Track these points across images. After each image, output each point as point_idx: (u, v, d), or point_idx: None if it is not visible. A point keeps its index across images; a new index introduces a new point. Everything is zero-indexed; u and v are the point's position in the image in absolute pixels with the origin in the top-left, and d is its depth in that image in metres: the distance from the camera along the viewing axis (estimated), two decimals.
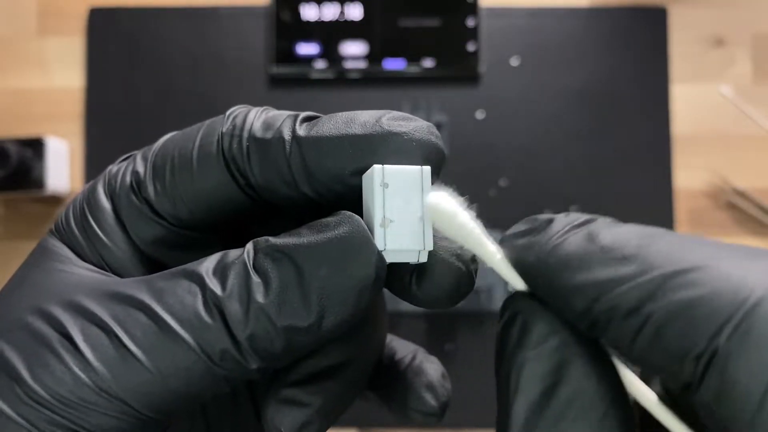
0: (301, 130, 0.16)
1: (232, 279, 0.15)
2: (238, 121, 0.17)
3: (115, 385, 0.15)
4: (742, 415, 0.11)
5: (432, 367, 0.22)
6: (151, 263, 0.18)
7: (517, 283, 0.16)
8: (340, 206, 0.16)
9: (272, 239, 0.16)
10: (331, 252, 0.15)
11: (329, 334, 0.16)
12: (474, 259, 0.17)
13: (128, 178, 0.18)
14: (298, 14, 0.67)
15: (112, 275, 0.17)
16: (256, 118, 0.17)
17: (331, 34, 0.67)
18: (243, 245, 0.20)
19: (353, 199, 0.16)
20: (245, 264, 0.15)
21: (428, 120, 0.67)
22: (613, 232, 0.14)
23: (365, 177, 0.16)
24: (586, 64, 0.67)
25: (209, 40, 0.68)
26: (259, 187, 0.17)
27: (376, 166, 0.15)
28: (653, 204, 0.66)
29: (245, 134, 0.16)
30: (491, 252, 0.16)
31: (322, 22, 0.67)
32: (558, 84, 0.67)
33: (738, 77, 0.67)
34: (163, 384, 0.15)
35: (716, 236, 0.66)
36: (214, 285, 0.15)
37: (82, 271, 0.17)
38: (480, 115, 0.67)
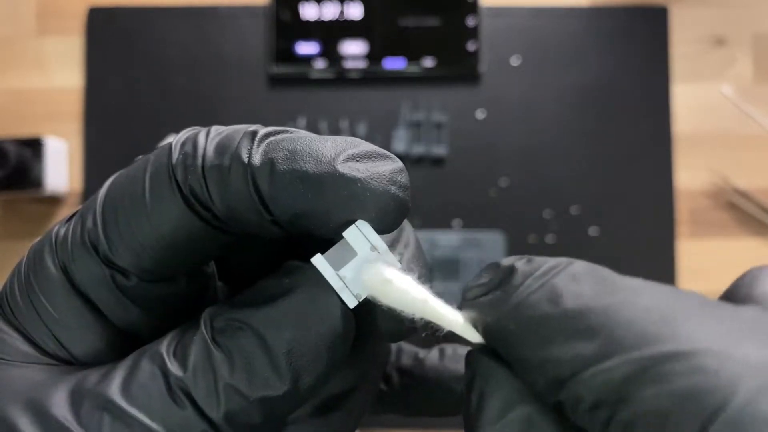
0: (257, 156, 0.14)
1: (194, 357, 0.14)
2: (188, 148, 0.15)
3: None
4: None
5: None
6: (119, 338, 0.16)
7: (480, 342, 0.14)
8: (305, 242, 0.15)
9: (227, 309, 0.15)
10: (292, 313, 0.14)
11: (308, 394, 0.15)
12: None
13: (80, 237, 0.15)
14: (298, 13, 0.67)
15: (71, 364, 0.16)
16: (209, 141, 0.15)
17: (330, 33, 0.67)
18: (228, 283, 0.19)
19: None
20: (204, 339, 0.14)
21: (428, 120, 0.67)
22: (578, 291, 0.12)
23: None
24: (587, 63, 0.67)
25: (209, 39, 0.68)
26: (226, 218, 0.15)
27: (316, 258, 0.14)
28: (654, 204, 0.66)
29: (199, 162, 0.14)
30: (446, 316, 0.14)
31: (322, 21, 0.67)
32: (558, 84, 0.67)
33: (739, 77, 0.67)
34: None
35: (717, 236, 0.66)
36: (175, 368, 0.14)
37: (39, 364, 0.15)
38: (480, 114, 0.67)
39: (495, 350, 0.14)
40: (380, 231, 0.15)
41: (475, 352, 0.14)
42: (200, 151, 0.15)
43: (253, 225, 0.15)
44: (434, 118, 0.66)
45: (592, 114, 0.67)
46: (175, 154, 0.15)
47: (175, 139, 0.15)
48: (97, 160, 0.67)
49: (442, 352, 0.23)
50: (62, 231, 0.16)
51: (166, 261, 0.15)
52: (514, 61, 0.67)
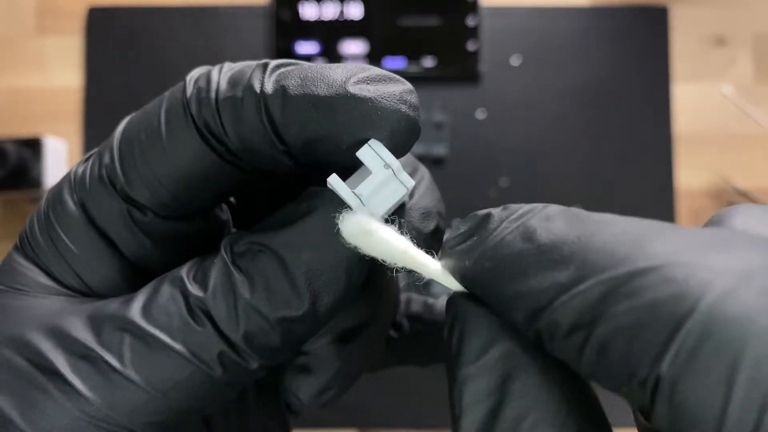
0: (269, 84, 0.14)
1: (214, 279, 0.14)
2: (202, 83, 0.15)
3: (113, 412, 0.14)
4: None
5: None
6: (135, 274, 0.16)
7: (458, 289, 0.15)
8: (320, 170, 0.15)
9: (247, 233, 0.15)
10: (309, 234, 0.14)
11: (326, 317, 0.15)
12: (435, 236, 0.16)
13: (98, 173, 0.16)
14: (298, 13, 0.67)
15: (88, 297, 0.16)
16: (222, 75, 0.15)
17: (330, 33, 0.67)
18: (243, 226, 0.19)
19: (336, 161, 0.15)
20: (225, 262, 0.15)
21: (428, 120, 0.67)
22: (552, 227, 0.13)
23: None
24: (587, 63, 0.67)
25: (208, 39, 0.68)
26: (239, 151, 0.15)
27: (331, 177, 0.15)
28: (654, 204, 0.66)
29: (213, 95, 0.15)
30: (426, 265, 0.15)
31: (322, 21, 0.67)
32: (559, 83, 0.67)
33: (739, 77, 0.67)
34: (164, 401, 0.14)
35: None
36: (195, 289, 0.14)
37: (57, 296, 0.16)
38: (480, 114, 0.67)
39: (474, 296, 0.14)
40: (393, 150, 0.15)
41: (454, 296, 0.15)
42: (213, 85, 0.15)
43: (267, 157, 0.15)
44: (434, 118, 0.66)
45: (592, 114, 0.67)
46: (189, 89, 0.15)
47: (189, 76, 0.16)
48: None
49: None
50: (80, 169, 0.16)
51: (182, 196, 0.16)
52: (515, 60, 0.67)
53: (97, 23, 0.68)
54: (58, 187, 0.16)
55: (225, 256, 0.15)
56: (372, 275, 0.16)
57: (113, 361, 0.14)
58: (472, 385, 0.13)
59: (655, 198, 0.66)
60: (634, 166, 0.66)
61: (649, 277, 0.11)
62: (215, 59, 0.67)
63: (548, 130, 0.66)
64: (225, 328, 0.14)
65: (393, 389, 0.63)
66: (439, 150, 0.66)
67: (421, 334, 0.23)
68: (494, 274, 0.13)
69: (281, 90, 0.14)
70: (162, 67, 0.68)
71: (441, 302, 0.23)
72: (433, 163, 0.66)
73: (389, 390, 0.62)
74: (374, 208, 0.15)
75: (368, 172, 0.15)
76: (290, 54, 0.67)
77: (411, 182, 0.15)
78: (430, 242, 0.16)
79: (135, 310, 0.14)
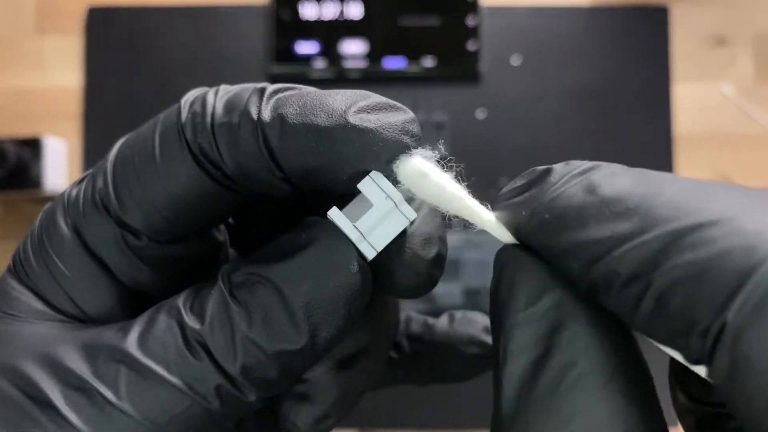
0: (266, 111, 0.14)
1: (211, 311, 0.14)
2: (197, 107, 0.15)
3: None
4: (759, 399, 0.10)
5: (480, 317, 0.22)
6: (130, 299, 0.16)
7: (511, 241, 0.14)
8: (317, 204, 0.15)
9: (245, 263, 0.15)
10: (309, 266, 0.14)
11: (325, 350, 0.15)
12: (436, 262, 0.16)
13: (91, 197, 0.15)
14: (298, 13, 0.67)
15: (83, 323, 0.16)
16: (218, 100, 0.15)
17: (330, 32, 0.67)
18: (241, 247, 0.19)
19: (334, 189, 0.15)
20: (222, 293, 0.14)
21: (428, 120, 0.67)
22: (616, 182, 0.12)
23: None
24: (588, 63, 0.67)
25: (208, 38, 0.68)
26: (236, 176, 0.15)
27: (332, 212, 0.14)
28: None
29: (208, 120, 0.14)
30: (479, 214, 0.14)
31: (322, 20, 0.67)
32: (559, 83, 0.67)
33: (740, 77, 0.67)
34: None
35: None
36: (192, 321, 0.14)
37: (51, 321, 0.15)
38: (481, 114, 0.67)
39: (525, 248, 0.14)
40: (395, 181, 0.15)
41: (505, 246, 0.14)
42: (209, 110, 0.15)
43: (264, 183, 0.15)
44: (434, 118, 0.66)
45: (593, 114, 0.67)
46: (184, 113, 0.15)
47: (184, 99, 0.15)
48: (97, 160, 0.67)
49: (451, 317, 0.23)
50: (74, 192, 0.16)
51: (177, 221, 0.15)
52: (515, 60, 0.67)
53: (97, 23, 0.68)
54: (52, 209, 0.16)
55: (222, 287, 0.14)
56: (372, 301, 0.16)
57: (108, 394, 0.14)
58: (519, 333, 0.13)
59: None
60: (634, 166, 0.66)
61: (716, 229, 0.10)
62: (215, 59, 0.67)
63: (548, 130, 0.66)
64: (222, 362, 0.14)
65: (393, 389, 0.63)
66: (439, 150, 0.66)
67: (421, 355, 0.23)
68: (552, 226, 0.13)
69: (279, 118, 0.14)
70: (162, 67, 0.68)
71: (441, 322, 0.23)
72: None
73: (389, 390, 0.62)
74: (375, 241, 0.15)
75: (369, 203, 0.14)
76: (290, 54, 0.67)
77: (413, 214, 0.15)
78: (432, 269, 0.16)
79: (131, 341, 0.14)
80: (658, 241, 0.11)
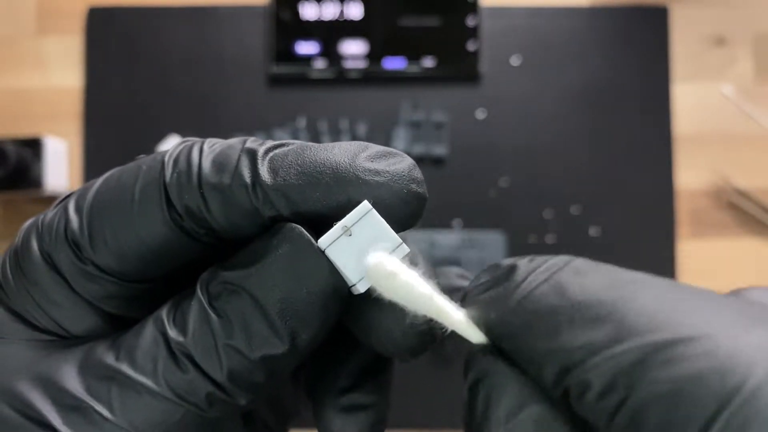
0: (266, 175, 0.14)
1: (193, 323, 0.14)
2: (182, 166, 0.15)
3: None
4: None
5: (453, 269, 0.22)
6: (110, 316, 0.16)
7: (482, 341, 0.14)
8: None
9: (220, 272, 0.15)
10: (280, 272, 0.14)
11: (308, 350, 0.15)
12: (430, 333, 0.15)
13: (63, 233, 0.15)
14: (298, 13, 0.67)
15: (67, 339, 0.16)
16: (203, 158, 0.15)
17: (330, 33, 0.67)
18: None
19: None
20: (201, 305, 0.14)
21: (428, 120, 0.67)
22: (586, 283, 0.12)
23: None
24: (587, 63, 0.67)
25: (208, 39, 0.68)
26: (224, 231, 0.15)
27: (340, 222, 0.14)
28: (654, 204, 0.66)
29: (194, 180, 0.14)
30: (449, 314, 0.14)
31: (322, 21, 0.67)
32: (559, 83, 0.67)
33: (739, 77, 0.67)
34: None
35: (718, 236, 0.66)
36: (175, 333, 0.14)
37: (38, 341, 0.15)
38: (480, 114, 0.67)
39: (498, 349, 0.14)
40: (402, 225, 0.15)
41: (477, 353, 0.14)
42: (195, 169, 0.15)
43: (252, 231, 0.15)
44: (434, 118, 0.66)
45: (592, 114, 0.67)
46: (168, 171, 0.15)
47: (167, 154, 0.15)
48: (97, 160, 0.67)
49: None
50: (48, 218, 0.16)
51: (148, 269, 0.15)
52: (515, 60, 0.67)
53: (97, 23, 0.68)
54: (27, 232, 0.16)
55: (201, 298, 0.15)
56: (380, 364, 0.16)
57: (104, 411, 0.14)
58: None
59: (655, 198, 0.66)
60: (634, 166, 0.66)
61: (693, 346, 0.11)
62: (215, 59, 0.67)
63: (548, 130, 0.66)
64: (209, 371, 0.14)
65: (394, 389, 0.63)
66: (439, 150, 0.66)
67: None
68: (524, 329, 0.13)
69: (282, 182, 0.14)
70: (162, 67, 0.68)
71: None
72: (433, 163, 0.66)
73: (390, 390, 0.62)
74: (361, 276, 0.15)
75: (362, 238, 0.14)
76: (290, 54, 0.67)
77: (406, 250, 0.15)
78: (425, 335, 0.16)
79: (120, 357, 0.14)
80: (632, 354, 0.11)
